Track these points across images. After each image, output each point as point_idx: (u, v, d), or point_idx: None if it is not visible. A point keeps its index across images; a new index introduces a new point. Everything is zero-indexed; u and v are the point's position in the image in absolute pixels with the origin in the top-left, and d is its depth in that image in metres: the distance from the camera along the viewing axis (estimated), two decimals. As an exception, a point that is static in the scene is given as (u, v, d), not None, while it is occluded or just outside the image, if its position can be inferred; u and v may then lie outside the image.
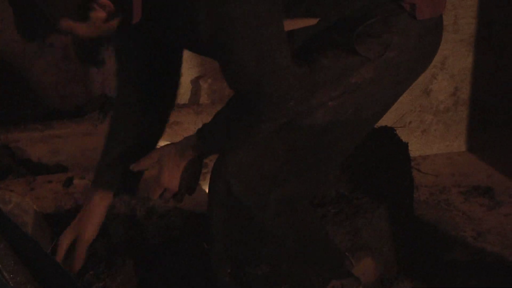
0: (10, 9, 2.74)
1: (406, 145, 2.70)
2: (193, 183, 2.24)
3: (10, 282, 1.18)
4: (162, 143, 2.71)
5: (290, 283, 2.20)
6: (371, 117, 2.12)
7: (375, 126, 2.41)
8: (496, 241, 2.78)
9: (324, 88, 1.98)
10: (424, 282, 2.54)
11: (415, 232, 2.65)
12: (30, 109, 2.83)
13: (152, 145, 2.33)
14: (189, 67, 3.05)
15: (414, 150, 2.90)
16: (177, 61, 2.36)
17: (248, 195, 2.08)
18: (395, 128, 2.77)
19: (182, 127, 2.76)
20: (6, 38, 2.77)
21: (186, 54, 3.00)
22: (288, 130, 2.00)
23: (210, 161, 2.23)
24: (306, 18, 2.09)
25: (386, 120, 2.77)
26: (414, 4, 2.02)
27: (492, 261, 2.66)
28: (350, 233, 2.46)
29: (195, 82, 3.06)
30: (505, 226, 2.87)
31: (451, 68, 3.28)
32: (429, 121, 3.38)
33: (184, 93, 3.07)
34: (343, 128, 2.05)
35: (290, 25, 2.02)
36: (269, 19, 1.88)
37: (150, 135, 2.35)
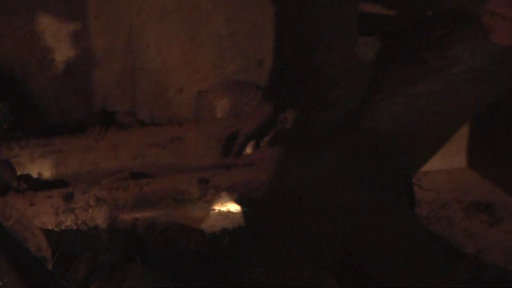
0: (12, 24, 2.74)
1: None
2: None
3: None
4: (163, 159, 2.72)
5: None
6: (434, 127, 2.17)
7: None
8: (497, 257, 2.77)
9: (392, 93, 2.06)
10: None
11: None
12: (31, 124, 2.82)
13: None
14: (191, 82, 3.05)
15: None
16: None
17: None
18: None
19: (183, 142, 2.76)
20: (6, 54, 2.76)
21: (189, 69, 3.01)
22: (352, 132, 2.11)
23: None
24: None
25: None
26: (492, 26, 2.04)
27: (494, 277, 2.65)
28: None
29: (197, 97, 3.05)
30: (506, 243, 2.85)
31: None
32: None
33: (185, 108, 3.06)
34: (403, 136, 2.10)
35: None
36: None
37: None
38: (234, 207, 2.51)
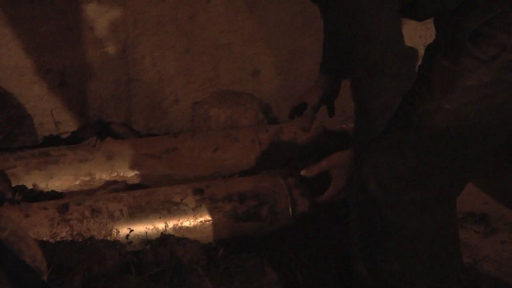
0: (6, 36, 2.74)
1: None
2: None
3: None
4: (159, 170, 2.71)
5: (421, 285, 2.22)
6: (498, 123, 2.11)
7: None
8: (492, 268, 2.75)
9: (441, 89, 2.02)
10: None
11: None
12: (27, 135, 2.82)
13: None
14: (187, 92, 3.05)
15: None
16: None
17: (382, 195, 2.13)
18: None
19: (178, 153, 2.76)
20: (3, 65, 2.77)
21: (184, 80, 3.01)
22: (413, 133, 2.08)
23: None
24: None
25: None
26: None
27: (489, 288, 2.65)
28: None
29: (192, 108, 3.05)
30: (502, 253, 2.84)
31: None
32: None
33: (180, 119, 3.07)
34: (467, 133, 2.06)
35: None
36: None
37: None
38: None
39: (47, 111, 2.90)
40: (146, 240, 2.40)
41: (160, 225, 2.43)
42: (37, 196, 2.51)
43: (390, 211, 2.12)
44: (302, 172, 2.40)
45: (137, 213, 2.42)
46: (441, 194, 2.16)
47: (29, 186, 2.54)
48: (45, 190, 2.56)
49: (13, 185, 2.49)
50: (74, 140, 2.90)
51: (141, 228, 2.41)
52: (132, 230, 2.39)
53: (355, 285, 2.30)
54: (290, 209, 2.57)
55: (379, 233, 2.18)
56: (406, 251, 2.17)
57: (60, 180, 2.59)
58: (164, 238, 2.40)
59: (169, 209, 2.46)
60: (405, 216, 2.12)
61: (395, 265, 2.18)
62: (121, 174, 2.67)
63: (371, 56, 2.04)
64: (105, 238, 2.35)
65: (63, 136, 2.92)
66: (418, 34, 3.20)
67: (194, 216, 2.47)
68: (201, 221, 2.48)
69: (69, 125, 2.94)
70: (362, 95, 2.10)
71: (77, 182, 2.61)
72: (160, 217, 2.44)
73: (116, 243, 2.35)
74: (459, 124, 2.02)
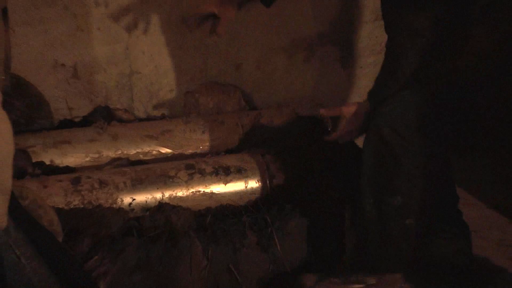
0: (27, 35, 2.73)
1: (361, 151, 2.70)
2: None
3: (27, 267, 1.17)
4: (156, 148, 2.71)
5: (416, 216, 2.26)
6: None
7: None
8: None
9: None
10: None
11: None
12: (44, 119, 2.81)
13: None
14: (180, 83, 3.05)
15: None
16: None
17: (395, 140, 2.21)
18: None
19: (172, 134, 2.76)
20: (24, 59, 2.75)
21: (178, 73, 3.00)
22: (425, 91, 2.18)
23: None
24: None
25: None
26: None
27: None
28: (311, 222, 2.48)
29: (184, 96, 3.05)
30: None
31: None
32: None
33: (175, 105, 3.06)
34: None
35: None
36: None
37: None
38: (216, 189, 2.52)
39: (61, 98, 2.90)
40: (145, 208, 2.40)
41: (158, 195, 2.43)
42: (53, 170, 2.51)
43: (401, 153, 2.20)
44: (321, 111, 2.45)
45: (138, 185, 2.43)
46: (443, 143, 2.26)
47: (47, 162, 2.54)
48: (60, 165, 2.56)
49: (33, 161, 2.49)
50: (84, 123, 2.89)
51: (142, 198, 2.41)
52: (134, 199, 2.40)
53: (358, 218, 2.38)
54: (267, 181, 2.57)
55: (389, 172, 2.25)
56: (409, 187, 2.23)
57: (73, 157, 2.59)
58: (161, 206, 2.40)
59: (165, 181, 2.46)
60: (413, 159, 2.19)
61: (398, 199, 2.25)
62: (125, 152, 2.67)
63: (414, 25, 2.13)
64: (111, 206, 2.36)
65: (75, 120, 2.92)
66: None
67: (186, 187, 2.48)
68: (192, 192, 2.48)
69: (80, 111, 2.94)
70: (397, 54, 2.23)
71: (87, 159, 2.61)
72: (157, 188, 2.44)
73: (120, 210, 2.36)
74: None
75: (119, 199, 2.39)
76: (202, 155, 2.74)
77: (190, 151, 2.74)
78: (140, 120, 2.97)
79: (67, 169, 2.54)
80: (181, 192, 2.47)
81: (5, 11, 1.15)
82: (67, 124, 2.88)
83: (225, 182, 2.53)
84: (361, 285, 2.23)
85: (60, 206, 2.27)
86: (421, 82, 2.21)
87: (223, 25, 2.57)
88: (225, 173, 2.54)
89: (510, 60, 2.36)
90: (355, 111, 2.35)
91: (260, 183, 2.56)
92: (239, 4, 2.59)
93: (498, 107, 2.96)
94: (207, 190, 2.50)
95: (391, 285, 2.23)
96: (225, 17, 2.56)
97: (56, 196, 2.30)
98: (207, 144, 2.79)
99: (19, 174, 2.36)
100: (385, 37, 2.28)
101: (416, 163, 2.21)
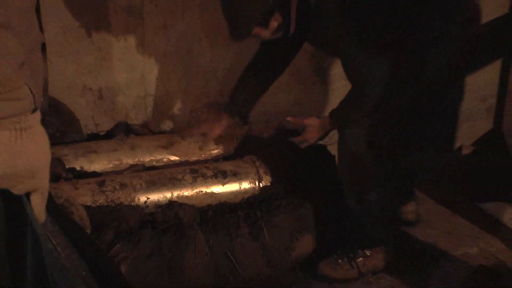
0: (60, 64, 2.73)
1: (333, 156, 2.71)
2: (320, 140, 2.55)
3: (62, 254, 1.18)
4: (166, 156, 2.70)
5: (390, 206, 2.52)
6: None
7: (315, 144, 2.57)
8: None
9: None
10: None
11: (341, 219, 2.64)
12: (75, 133, 2.81)
13: (266, 88, 2.76)
14: (186, 103, 3.06)
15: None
16: (294, 54, 2.69)
17: (359, 152, 2.33)
18: (326, 145, 2.77)
19: (179, 144, 2.77)
20: (59, 84, 2.76)
21: (183, 95, 3.00)
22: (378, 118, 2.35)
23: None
24: None
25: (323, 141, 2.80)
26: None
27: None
28: (296, 218, 2.47)
29: (189, 114, 3.06)
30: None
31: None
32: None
33: (181, 121, 3.07)
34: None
35: None
36: None
37: (267, 85, 2.75)
38: (216, 189, 2.53)
39: (89, 116, 2.90)
40: (158, 205, 2.40)
41: (168, 195, 2.43)
42: (82, 175, 2.51)
43: (368, 163, 2.33)
44: (288, 118, 2.55)
45: (151, 186, 2.42)
46: (395, 152, 2.47)
47: (77, 168, 2.53)
48: (88, 171, 2.55)
49: (66, 167, 2.49)
50: (108, 136, 2.89)
51: (155, 197, 2.41)
52: (148, 198, 2.39)
53: (348, 213, 2.49)
54: (257, 182, 2.58)
55: (362, 176, 2.37)
56: (379, 186, 2.38)
57: (99, 164, 2.59)
58: (170, 203, 2.40)
59: (174, 183, 2.46)
60: (377, 166, 2.34)
61: (373, 195, 2.38)
62: (141, 159, 2.67)
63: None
64: (130, 204, 2.35)
65: (101, 133, 2.92)
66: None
67: (191, 188, 2.48)
68: (196, 192, 2.48)
69: (104, 126, 2.94)
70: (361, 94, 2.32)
71: (110, 165, 2.61)
72: (167, 189, 2.44)
73: (137, 207, 2.35)
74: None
75: (136, 198, 2.38)
76: (204, 161, 2.74)
77: (194, 158, 2.74)
78: (153, 133, 2.97)
79: (94, 174, 2.53)
80: (187, 192, 2.47)
81: (43, 45, 1.15)
82: (94, 137, 2.88)
83: (223, 184, 2.53)
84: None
85: (88, 204, 2.27)
86: (380, 111, 2.27)
87: (210, 140, 2.76)
88: (223, 176, 2.54)
89: (456, 74, 2.42)
90: (315, 123, 2.44)
91: (251, 184, 2.57)
92: (227, 123, 2.76)
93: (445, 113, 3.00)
94: (208, 190, 2.50)
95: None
96: (212, 134, 2.74)
97: (84, 196, 2.30)
98: (208, 152, 2.79)
99: (54, 178, 2.35)
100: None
101: (379, 169, 2.35)
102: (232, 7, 2.22)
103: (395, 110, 2.33)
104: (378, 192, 2.38)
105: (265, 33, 2.28)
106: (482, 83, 3.43)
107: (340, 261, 2.41)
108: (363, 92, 2.25)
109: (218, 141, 2.79)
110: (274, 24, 2.23)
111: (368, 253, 2.42)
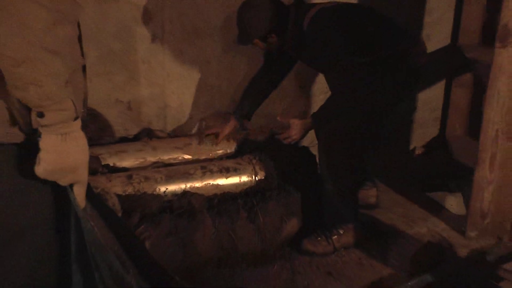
0: (95, 82, 2.71)
1: (314, 156, 2.71)
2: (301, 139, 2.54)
3: (98, 233, 1.17)
4: (181, 155, 2.69)
5: (357, 191, 2.57)
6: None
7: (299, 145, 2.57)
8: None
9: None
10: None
11: (320, 206, 2.64)
12: (109, 137, 2.81)
13: (264, 98, 2.85)
14: (196, 113, 3.05)
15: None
16: (289, 69, 2.82)
17: (333, 145, 2.37)
18: (309, 147, 2.77)
19: (191, 146, 2.76)
20: (95, 97, 2.76)
21: (195, 106, 2.99)
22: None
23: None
24: None
25: (304, 142, 2.79)
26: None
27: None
28: (284, 205, 2.46)
29: (199, 121, 3.05)
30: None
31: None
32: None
33: (192, 128, 3.06)
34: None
35: None
36: None
37: (266, 94, 2.84)
38: (221, 182, 2.52)
39: (120, 123, 2.89)
40: (174, 194, 2.40)
41: (182, 186, 2.43)
42: (115, 170, 2.50)
43: (341, 154, 2.37)
44: (278, 117, 2.54)
45: (169, 179, 2.42)
46: (363, 147, 2.53)
47: (111, 164, 2.53)
48: (119, 166, 2.55)
49: (102, 164, 2.49)
50: (135, 139, 2.88)
51: (172, 187, 2.41)
52: (167, 189, 2.39)
53: (325, 199, 2.54)
54: (253, 177, 2.58)
55: (335, 164, 2.39)
56: (350, 173, 2.41)
57: (127, 161, 2.58)
58: (185, 193, 2.40)
59: (187, 177, 2.46)
60: (342, 156, 2.37)
61: (345, 181, 2.42)
62: (161, 158, 2.65)
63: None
64: (152, 193, 2.35)
65: (129, 137, 2.91)
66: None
67: (201, 181, 2.48)
68: (205, 184, 2.48)
69: (132, 131, 2.93)
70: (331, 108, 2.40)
71: (136, 162, 2.60)
72: (182, 181, 2.44)
73: (158, 196, 2.35)
74: None
75: (157, 189, 2.38)
76: (211, 160, 2.74)
77: (203, 157, 2.74)
78: (171, 137, 2.96)
79: (124, 169, 2.53)
80: (197, 184, 2.46)
81: (84, 67, 1.15)
82: (123, 140, 2.87)
83: (226, 177, 2.53)
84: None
85: (119, 193, 2.27)
86: (350, 114, 2.37)
87: (220, 138, 2.76)
88: (226, 172, 2.54)
89: (397, 96, 2.45)
90: (298, 122, 2.45)
91: (249, 178, 2.56)
92: (234, 125, 2.80)
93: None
94: (214, 182, 2.50)
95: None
96: (223, 133, 2.75)
97: (116, 187, 2.30)
98: (214, 152, 2.78)
99: (92, 172, 2.35)
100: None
101: (349, 159, 2.40)
102: (243, 22, 2.43)
103: (362, 114, 2.36)
104: (349, 178, 2.39)
105: (262, 46, 2.48)
106: (431, 98, 3.45)
107: (319, 238, 2.41)
108: (335, 100, 2.31)
109: (227, 137, 2.81)
110: (271, 40, 2.45)
111: (341, 231, 2.42)
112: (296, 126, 2.42)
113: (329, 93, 2.47)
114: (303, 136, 2.46)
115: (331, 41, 2.29)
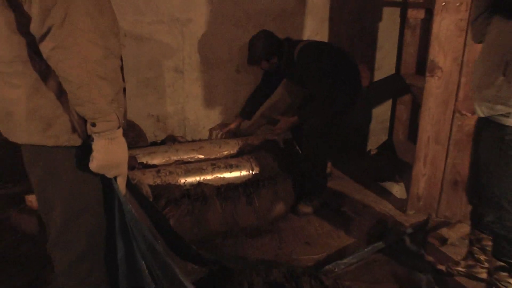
0: (132, 100, 2.69)
1: (298, 150, 2.70)
2: (288, 130, 2.65)
3: (135, 214, 1.17)
4: (196, 155, 2.66)
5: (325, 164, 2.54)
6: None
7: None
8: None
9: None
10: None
11: (301, 188, 2.61)
12: (143, 141, 2.80)
13: (260, 104, 2.86)
14: (208, 124, 3.04)
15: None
16: (277, 86, 2.81)
17: (312, 135, 2.41)
18: (295, 145, 2.74)
19: (204, 148, 2.74)
20: (134, 112, 2.74)
21: (207, 119, 2.96)
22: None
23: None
24: None
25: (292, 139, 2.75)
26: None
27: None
28: (274, 192, 2.46)
29: (209, 130, 3.05)
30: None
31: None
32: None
33: (205, 135, 3.05)
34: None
35: None
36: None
37: (261, 102, 2.85)
38: (226, 175, 2.51)
39: (151, 131, 2.89)
40: (192, 184, 2.39)
41: (197, 178, 2.43)
42: (147, 166, 2.50)
43: (317, 141, 2.40)
44: (273, 115, 2.75)
45: (188, 173, 2.41)
46: (330, 133, 2.46)
47: (144, 162, 2.52)
48: (151, 164, 2.54)
49: (138, 161, 2.48)
50: (162, 143, 2.88)
51: (190, 179, 2.41)
52: (186, 180, 2.39)
53: (306, 178, 2.50)
54: (251, 171, 2.57)
55: (314, 149, 2.43)
56: (322, 152, 2.45)
57: (156, 160, 2.58)
58: (199, 183, 2.39)
59: (201, 171, 2.45)
60: (318, 141, 2.40)
61: (319, 158, 2.46)
62: (181, 157, 2.65)
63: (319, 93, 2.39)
64: (175, 184, 2.35)
65: (158, 141, 2.91)
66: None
67: (211, 174, 2.47)
68: (214, 177, 2.48)
69: (160, 137, 2.93)
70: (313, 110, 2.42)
71: (163, 161, 2.59)
72: (197, 175, 2.43)
73: (179, 186, 2.35)
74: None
75: (179, 180, 2.37)
76: (219, 158, 2.73)
77: (213, 156, 2.73)
78: (188, 141, 2.96)
79: (154, 166, 2.52)
80: (208, 177, 2.46)
81: (124, 89, 1.16)
82: (153, 143, 2.87)
83: (230, 172, 2.52)
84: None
85: (150, 183, 2.26)
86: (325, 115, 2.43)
87: (230, 131, 2.88)
88: (230, 167, 2.53)
89: (349, 104, 2.52)
90: (287, 118, 2.57)
91: (247, 172, 2.56)
92: (238, 123, 2.90)
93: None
94: (221, 175, 2.49)
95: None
96: (230, 126, 2.88)
97: (148, 179, 2.29)
98: (221, 153, 2.78)
99: (131, 168, 2.34)
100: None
101: (322, 146, 2.43)
102: (254, 47, 2.52)
103: (330, 115, 2.46)
104: (321, 156, 2.48)
105: (266, 66, 2.57)
106: (381, 113, 3.45)
107: (308, 203, 2.46)
108: (315, 104, 2.41)
109: (234, 130, 2.91)
110: (272, 61, 2.55)
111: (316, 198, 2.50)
112: (284, 120, 2.60)
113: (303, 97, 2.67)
114: (289, 128, 2.64)
115: (314, 68, 2.42)
